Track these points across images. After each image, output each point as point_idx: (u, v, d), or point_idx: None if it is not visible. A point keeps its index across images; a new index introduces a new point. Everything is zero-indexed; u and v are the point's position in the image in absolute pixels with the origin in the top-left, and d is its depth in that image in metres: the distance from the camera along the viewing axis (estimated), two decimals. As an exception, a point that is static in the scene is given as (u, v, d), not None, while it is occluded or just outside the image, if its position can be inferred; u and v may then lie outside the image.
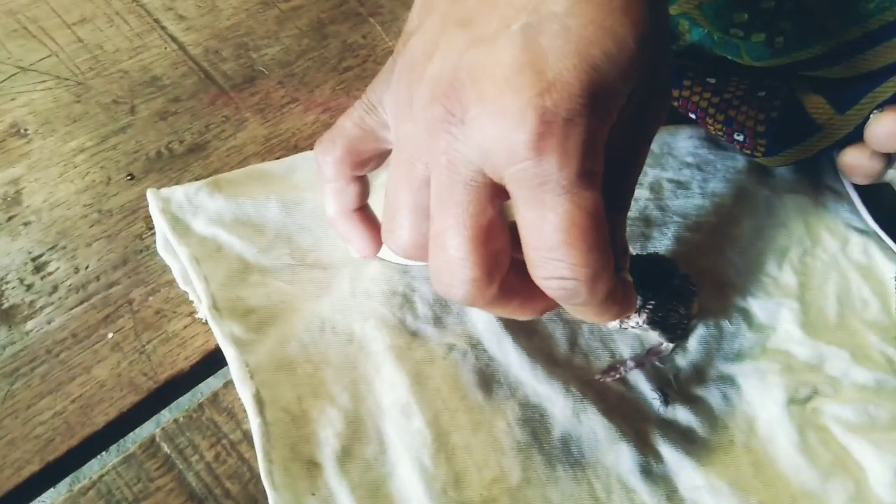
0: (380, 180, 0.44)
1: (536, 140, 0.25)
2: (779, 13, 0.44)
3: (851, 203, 0.50)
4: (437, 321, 0.41)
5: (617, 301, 0.29)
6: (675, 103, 0.50)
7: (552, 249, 0.26)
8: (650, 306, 0.40)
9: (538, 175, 0.25)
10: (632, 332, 0.42)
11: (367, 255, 0.38)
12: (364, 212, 0.37)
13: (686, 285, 0.42)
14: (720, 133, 0.49)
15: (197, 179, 0.42)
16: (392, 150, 0.31)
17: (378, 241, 0.37)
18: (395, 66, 0.30)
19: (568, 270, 0.27)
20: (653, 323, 0.40)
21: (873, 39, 0.43)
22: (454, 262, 0.27)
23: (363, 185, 0.36)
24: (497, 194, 0.27)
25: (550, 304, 0.31)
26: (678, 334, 0.42)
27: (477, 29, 0.26)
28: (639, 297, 0.40)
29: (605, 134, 0.27)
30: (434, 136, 0.27)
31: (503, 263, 0.28)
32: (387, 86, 0.32)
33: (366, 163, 0.35)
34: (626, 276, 0.32)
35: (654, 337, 0.42)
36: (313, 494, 0.35)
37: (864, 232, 0.49)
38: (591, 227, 0.26)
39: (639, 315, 0.40)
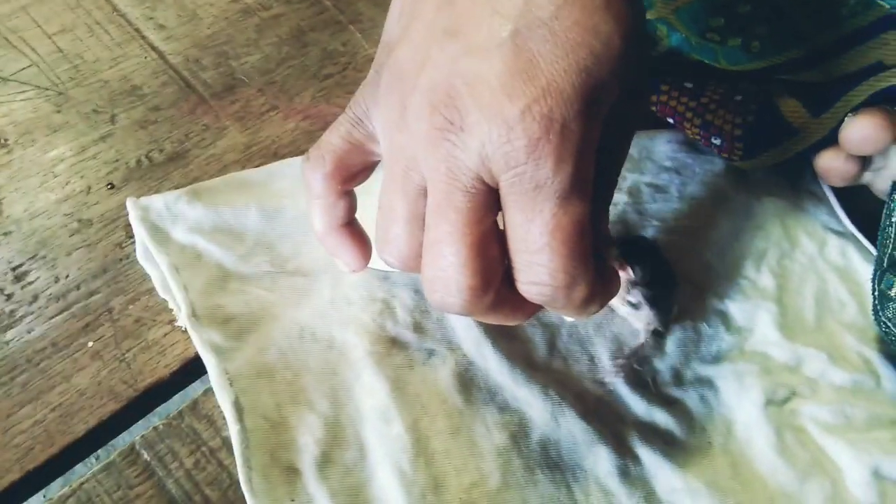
0: (362, 186, 0.44)
1: (533, 145, 0.26)
2: (754, 18, 0.44)
3: (829, 205, 0.50)
4: (417, 327, 0.41)
5: (596, 301, 0.30)
6: (653, 108, 0.50)
7: (535, 253, 0.27)
8: (647, 282, 0.40)
9: (533, 179, 0.26)
10: (611, 333, 0.43)
11: (356, 268, 0.37)
12: (352, 226, 0.37)
13: (670, 272, 0.43)
14: (698, 137, 0.49)
15: (177, 188, 0.42)
16: (383, 162, 0.32)
17: (367, 255, 0.37)
18: (381, 77, 0.31)
19: (547, 276, 0.27)
20: (649, 300, 0.41)
21: (847, 43, 0.44)
22: (452, 270, 0.28)
23: (352, 200, 0.36)
24: (494, 202, 0.28)
25: (537, 308, 0.31)
26: (668, 317, 0.42)
27: (467, 38, 0.27)
28: (635, 273, 0.40)
29: (598, 133, 0.27)
30: (433, 145, 0.27)
31: (498, 272, 0.29)
32: (373, 98, 0.32)
33: (355, 176, 0.35)
34: (612, 263, 0.32)
35: (630, 329, 0.42)
36: (293, 500, 0.35)
37: (842, 234, 0.49)
38: (575, 235, 0.27)
39: (632, 293, 0.40)
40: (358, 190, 0.43)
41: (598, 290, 0.29)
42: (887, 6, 0.42)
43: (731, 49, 0.45)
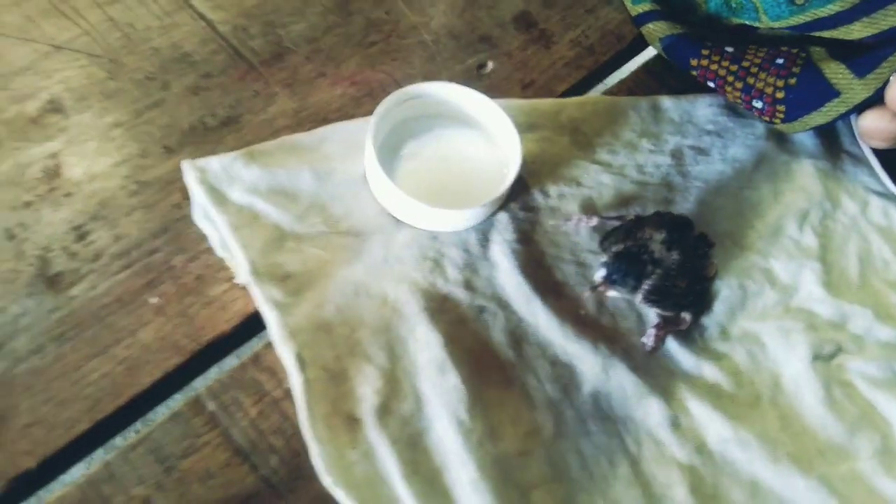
0: (406, 150, 0.45)
1: None
2: None
3: (870, 167, 0.50)
4: (468, 284, 0.42)
5: None
6: (694, 72, 0.51)
7: None
8: (646, 287, 0.40)
9: None
10: None
11: None
12: None
13: (701, 247, 0.43)
14: (739, 101, 0.49)
15: (231, 151, 0.43)
16: None
17: None
18: None
19: None
20: (650, 302, 0.41)
21: None
22: None
23: None
24: None
25: None
26: (684, 305, 0.42)
27: None
28: (627, 285, 0.41)
29: None
30: None
31: None
32: None
33: None
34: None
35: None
36: (354, 448, 0.36)
37: (884, 195, 0.49)
38: None
39: (633, 295, 0.41)
40: (404, 154, 0.44)
41: None
42: None
43: (776, 1, 0.45)
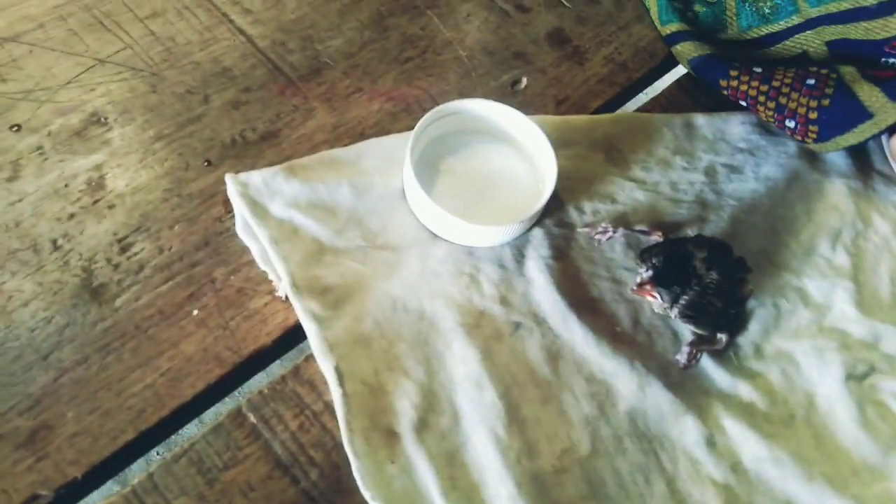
0: (444, 166, 0.45)
1: None
2: None
3: (902, 187, 0.51)
4: (503, 300, 0.42)
5: None
6: (724, 92, 0.51)
7: None
8: (683, 301, 0.41)
9: None
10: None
11: None
12: None
13: (739, 271, 0.44)
14: (772, 119, 0.50)
15: (271, 165, 0.44)
16: None
17: None
18: None
19: None
20: (685, 317, 0.42)
21: None
22: None
23: None
24: None
25: None
26: (718, 326, 0.43)
27: None
28: (671, 292, 0.42)
29: None
30: None
31: None
32: None
33: None
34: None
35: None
36: (393, 462, 0.37)
37: (916, 215, 0.50)
38: None
39: (671, 309, 0.42)
40: (441, 169, 0.45)
41: None
42: None
43: None
